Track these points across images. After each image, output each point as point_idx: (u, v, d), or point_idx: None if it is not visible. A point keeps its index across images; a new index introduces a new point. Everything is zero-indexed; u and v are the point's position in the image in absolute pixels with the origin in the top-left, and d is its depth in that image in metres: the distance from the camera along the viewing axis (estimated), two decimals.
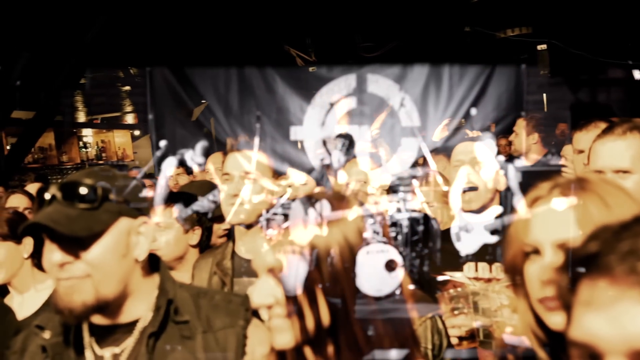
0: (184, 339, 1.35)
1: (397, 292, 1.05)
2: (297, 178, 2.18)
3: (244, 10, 5.86)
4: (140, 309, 1.36)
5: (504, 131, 6.89)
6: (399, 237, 1.09)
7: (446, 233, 2.21)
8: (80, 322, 1.34)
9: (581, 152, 2.68)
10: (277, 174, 2.11)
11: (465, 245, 2.07)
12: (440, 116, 7.64)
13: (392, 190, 2.22)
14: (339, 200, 1.09)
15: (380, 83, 7.68)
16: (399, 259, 1.04)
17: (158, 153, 6.72)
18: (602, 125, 2.35)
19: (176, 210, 2.42)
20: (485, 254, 2.07)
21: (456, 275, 2.08)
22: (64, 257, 1.25)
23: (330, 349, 1.06)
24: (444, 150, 4.76)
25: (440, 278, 2.08)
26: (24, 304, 2.29)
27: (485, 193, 2.16)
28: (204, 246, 2.53)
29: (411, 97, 7.66)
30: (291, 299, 1.04)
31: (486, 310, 1.98)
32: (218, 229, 2.76)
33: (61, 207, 1.27)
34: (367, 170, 2.53)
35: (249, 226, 2.07)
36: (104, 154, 8.20)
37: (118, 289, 1.30)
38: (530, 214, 1.11)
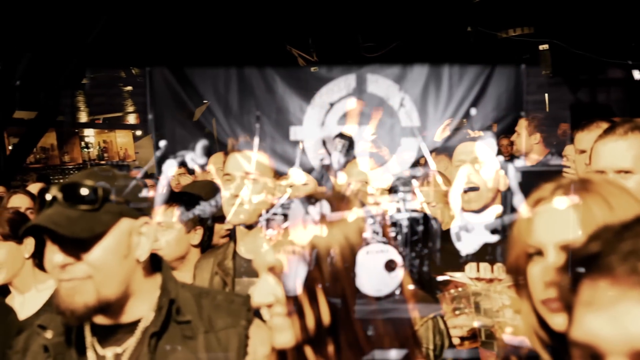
0: (185, 339, 1.35)
1: (397, 292, 1.05)
2: (297, 178, 2.18)
3: (246, 10, 5.86)
4: (142, 309, 1.36)
5: (503, 131, 6.89)
6: (399, 237, 1.09)
7: (447, 233, 2.21)
8: (82, 322, 1.34)
9: (583, 152, 2.67)
10: (278, 174, 2.11)
11: (466, 245, 2.07)
12: (440, 116, 7.63)
13: (392, 190, 2.22)
14: (339, 200, 1.09)
15: (380, 83, 7.68)
16: (398, 259, 1.04)
17: (158, 153, 6.72)
18: (604, 125, 2.34)
19: (178, 211, 2.42)
20: (486, 254, 2.07)
21: (458, 276, 2.07)
22: (66, 259, 1.25)
23: (331, 349, 1.06)
24: (445, 150, 4.75)
25: (441, 278, 2.08)
26: (25, 304, 2.29)
27: (486, 193, 2.16)
28: (206, 246, 2.53)
29: (411, 97, 7.66)
30: (291, 299, 1.04)
31: (488, 311, 1.98)
32: (220, 229, 2.76)
33: (62, 208, 1.27)
34: (368, 170, 2.53)
35: (250, 226, 2.07)
36: (105, 154, 8.21)
37: (120, 290, 1.30)
38: (533, 215, 1.11)
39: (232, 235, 2.24)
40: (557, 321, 1.05)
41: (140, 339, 1.34)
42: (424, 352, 1.61)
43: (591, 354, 0.66)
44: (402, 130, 7.55)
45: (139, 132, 8.48)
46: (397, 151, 7.16)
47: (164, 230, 2.39)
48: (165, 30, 6.26)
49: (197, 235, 2.48)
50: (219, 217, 2.45)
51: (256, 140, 2.01)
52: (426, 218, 2.06)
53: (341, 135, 4.60)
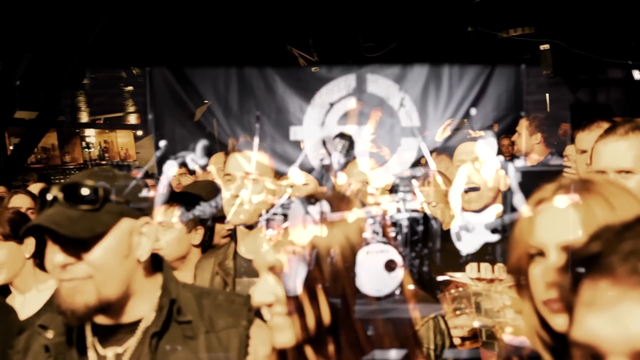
0: (186, 339, 1.35)
1: (397, 292, 1.05)
2: (298, 178, 2.18)
3: (247, 10, 5.86)
4: (143, 309, 1.36)
5: (503, 131, 6.89)
6: (399, 237, 1.09)
7: (448, 233, 2.21)
8: (83, 323, 1.35)
9: (584, 152, 2.67)
10: (278, 174, 2.11)
11: (466, 245, 2.07)
12: (440, 116, 7.64)
13: (392, 190, 2.22)
14: (339, 201, 1.10)
15: (380, 83, 7.69)
16: (398, 259, 1.04)
17: (158, 153, 6.72)
18: (605, 125, 2.34)
19: (179, 211, 2.42)
20: (486, 253, 2.06)
21: (459, 276, 2.07)
22: (66, 259, 1.25)
23: (331, 348, 1.06)
24: (446, 150, 4.75)
25: (442, 278, 2.07)
26: (26, 304, 2.29)
27: (487, 193, 2.16)
28: (206, 246, 2.53)
29: (411, 97, 7.66)
30: (292, 298, 1.04)
31: (489, 311, 1.98)
32: (222, 229, 2.76)
33: (63, 208, 1.27)
34: (368, 170, 2.53)
35: (250, 226, 2.07)
36: (106, 154, 8.20)
37: (120, 290, 1.31)
38: (534, 215, 1.11)
39: (233, 235, 2.24)
40: (559, 322, 1.05)
41: (141, 339, 1.34)
42: (425, 352, 1.61)
43: (592, 354, 0.65)
44: (402, 130, 7.56)
45: (140, 132, 8.48)
46: (397, 151, 7.17)
47: (165, 230, 2.39)
48: (166, 30, 6.26)
49: (198, 235, 2.48)
50: (220, 217, 2.46)
51: (256, 140, 2.01)
52: (426, 218, 2.06)
53: (341, 136, 4.60)
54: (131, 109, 8.49)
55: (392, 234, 1.08)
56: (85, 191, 1.27)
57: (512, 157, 5.30)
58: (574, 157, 2.98)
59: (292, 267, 1.04)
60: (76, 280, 1.25)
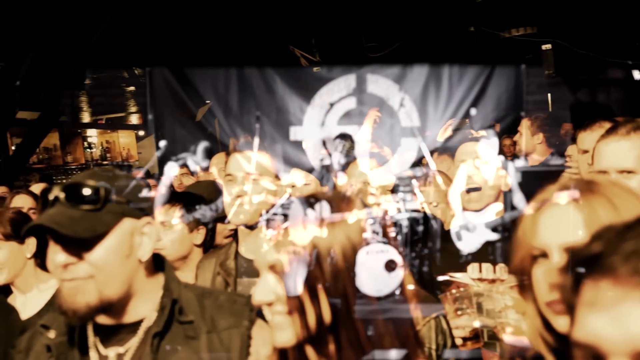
0: (188, 339, 1.35)
1: (397, 292, 1.05)
2: (298, 178, 2.18)
3: (249, 10, 5.86)
4: (144, 309, 1.36)
5: (504, 131, 6.89)
6: (399, 237, 1.09)
7: (449, 233, 2.20)
8: (85, 322, 1.35)
9: (586, 152, 2.66)
10: (279, 175, 2.11)
11: (466, 245, 2.06)
12: (440, 116, 7.65)
13: (393, 190, 2.22)
14: (340, 201, 1.10)
15: (380, 83, 7.69)
16: (398, 259, 1.04)
17: (158, 153, 6.73)
18: (607, 125, 2.33)
19: (181, 211, 2.43)
20: (487, 253, 2.06)
21: (460, 276, 2.07)
22: (68, 258, 1.25)
23: (332, 348, 1.06)
24: (448, 150, 4.75)
25: (443, 278, 2.07)
26: (27, 303, 2.30)
27: (488, 193, 2.15)
28: (208, 246, 2.54)
29: (411, 98, 7.66)
30: (292, 298, 1.04)
31: (490, 312, 1.97)
32: (224, 229, 2.76)
33: (64, 208, 1.27)
34: (369, 170, 2.53)
35: (252, 227, 2.07)
36: (108, 155, 8.20)
37: (122, 290, 1.31)
38: (537, 217, 1.10)
39: (235, 235, 2.24)
40: (562, 323, 1.05)
41: (143, 339, 1.34)
42: (427, 352, 1.60)
43: (593, 355, 0.65)
44: (402, 131, 7.56)
45: (141, 133, 8.49)
46: (397, 151, 7.16)
47: (167, 229, 2.40)
48: (167, 30, 6.27)
49: (200, 234, 2.49)
50: (221, 217, 2.46)
51: (256, 140, 2.01)
52: (426, 218, 2.06)
53: (342, 136, 4.60)
54: (133, 109, 8.50)
55: (393, 234, 1.07)
56: (86, 191, 1.28)
57: (513, 157, 5.29)
58: (576, 157, 2.97)
59: (292, 267, 1.04)
60: (78, 280, 1.26)
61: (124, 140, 8.41)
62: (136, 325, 1.35)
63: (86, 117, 8.24)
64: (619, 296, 0.63)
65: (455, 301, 1.93)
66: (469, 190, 2.14)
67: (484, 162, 2.14)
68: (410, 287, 1.09)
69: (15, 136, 6.63)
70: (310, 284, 1.03)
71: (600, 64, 6.47)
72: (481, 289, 2.01)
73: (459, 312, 1.92)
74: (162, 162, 7.17)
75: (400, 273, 1.04)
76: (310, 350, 1.08)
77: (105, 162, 8.06)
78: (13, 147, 6.53)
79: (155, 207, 1.38)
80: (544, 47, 6.49)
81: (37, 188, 4.18)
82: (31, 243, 2.33)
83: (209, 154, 3.80)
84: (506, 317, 1.95)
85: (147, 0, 5.64)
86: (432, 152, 5.26)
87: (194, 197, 2.60)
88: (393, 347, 1.05)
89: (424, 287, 1.92)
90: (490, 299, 1.97)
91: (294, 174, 2.19)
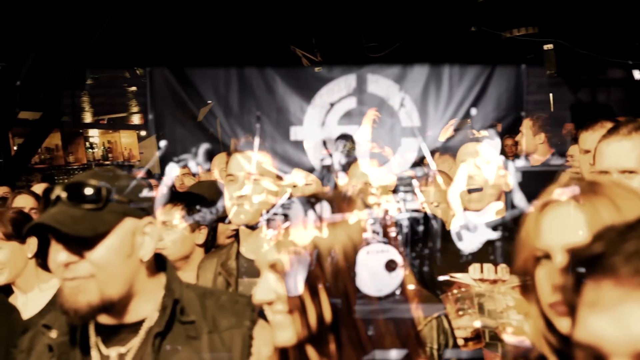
0: (189, 339, 1.35)
1: (397, 292, 1.05)
2: (300, 178, 2.18)
3: (250, 10, 5.86)
4: (146, 308, 1.36)
5: (504, 131, 6.89)
6: (400, 237, 1.09)
7: (450, 233, 2.20)
8: (86, 322, 1.35)
9: (587, 152, 2.66)
10: (280, 175, 2.11)
11: (467, 244, 2.06)
12: (441, 116, 7.65)
13: (394, 190, 2.22)
14: (341, 201, 1.10)
15: (380, 83, 7.69)
16: (399, 259, 1.04)
17: (158, 153, 6.73)
18: (609, 125, 2.33)
19: (183, 211, 2.43)
20: (487, 253, 2.06)
21: (461, 277, 2.07)
22: (69, 257, 1.26)
23: (332, 347, 1.06)
24: (449, 150, 4.75)
25: (443, 278, 2.07)
26: (28, 303, 2.30)
27: (489, 194, 2.15)
28: (209, 246, 2.54)
29: (411, 97, 7.66)
30: (293, 297, 1.04)
31: (492, 312, 1.97)
32: (226, 229, 2.76)
33: (66, 207, 1.27)
34: (370, 171, 2.52)
35: (253, 227, 2.07)
36: (110, 155, 8.21)
37: (123, 289, 1.31)
38: (540, 218, 1.10)
39: (237, 235, 2.24)
40: (565, 325, 1.04)
41: (145, 339, 1.34)
42: (428, 352, 1.60)
43: (594, 355, 0.65)
44: (402, 131, 7.56)
45: (143, 133, 8.50)
46: (397, 151, 7.16)
47: (169, 229, 2.40)
48: (169, 30, 6.27)
49: (202, 234, 2.49)
50: (223, 217, 2.46)
51: (257, 140, 2.01)
52: (427, 218, 2.06)
53: (343, 137, 4.60)
54: (134, 109, 8.51)
55: (393, 234, 1.07)
56: (88, 190, 1.28)
57: (515, 157, 5.29)
58: (578, 157, 2.97)
59: (293, 266, 1.04)
60: (79, 279, 1.26)
61: (125, 140, 8.42)
62: (138, 325, 1.36)
63: (88, 117, 8.25)
64: (620, 296, 0.63)
65: (456, 301, 1.93)
66: (470, 191, 2.14)
67: (485, 162, 2.13)
68: (411, 287, 1.09)
69: (17, 136, 6.64)
70: (310, 284, 1.03)
71: (602, 64, 6.46)
72: (483, 289, 2.01)
73: (461, 313, 1.92)
74: (163, 162, 7.19)
75: (400, 273, 1.04)
76: (310, 350, 1.08)
77: (107, 162, 8.06)
78: (15, 147, 6.54)
79: (156, 207, 1.38)
80: (545, 47, 6.49)
81: (38, 188, 4.19)
82: (32, 243, 2.33)
83: (210, 155, 3.81)
84: (508, 317, 1.95)
85: (147, 1, 5.65)
86: (433, 152, 5.26)
87: (195, 197, 2.60)
88: (394, 347, 1.05)
89: (425, 287, 1.92)
90: (491, 299, 1.97)
91: (296, 174, 2.19)
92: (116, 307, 1.32)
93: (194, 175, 4.86)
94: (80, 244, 1.26)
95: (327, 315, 1.04)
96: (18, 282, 2.34)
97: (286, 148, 7.67)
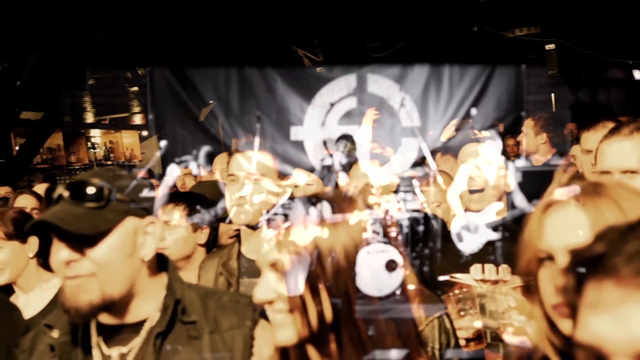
0: (191, 339, 1.35)
1: (398, 292, 1.05)
2: (301, 178, 2.18)
3: (252, 11, 5.87)
4: (147, 308, 1.36)
5: (505, 131, 6.89)
6: (400, 238, 1.09)
7: (450, 233, 2.20)
8: (87, 321, 1.35)
9: (589, 152, 2.66)
10: (282, 175, 2.11)
11: (467, 245, 2.06)
12: (441, 116, 7.65)
13: (395, 190, 2.21)
14: (342, 201, 1.09)
15: (380, 83, 7.69)
16: (399, 259, 1.04)
17: (159, 153, 6.74)
18: (610, 125, 2.33)
19: (185, 211, 2.43)
20: (487, 254, 2.05)
21: (462, 277, 2.06)
22: (71, 255, 1.26)
23: (333, 347, 1.06)
24: (451, 150, 4.75)
25: (443, 278, 2.07)
26: (29, 303, 2.30)
27: (490, 194, 2.14)
28: (211, 246, 2.54)
29: (411, 97, 7.66)
30: (293, 296, 1.04)
31: (493, 313, 1.97)
32: (229, 229, 2.76)
33: (68, 206, 1.28)
34: (371, 172, 2.52)
35: (254, 227, 2.07)
36: (112, 155, 8.22)
37: (124, 288, 1.31)
38: (543, 219, 1.10)
39: (238, 235, 2.24)
40: (568, 326, 1.04)
41: (146, 339, 1.34)
42: (430, 352, 1.60)
43: (596, 356, 0.65)
44: (402, 131, 7.56)
45: (145, 133, 8.50)
46: (397, 151, 7.16)
47: (171, 229, 2.40)
48: (170, 31, 6.28)
49: (204, 234, 2.49)
50: (224, 217, 2.46)
51: (257, 140, 2.01)
52: (427, 218, 2.06)
53: (344, 137, 4.61)
54: (136, 109, 8.51)
55: (393, 234, 1.07)
56: (90, 189, 1.28)
57: (517, 157, 5.29)
58: (580, 157, 2.97)
59: (293, 266, 1.04)
60: (80, 277, 1.26)
61: (127, 140, 8.43)
62: (139, 325, 1.36)
63: (90, 118, 8.26)
64: (622, 297, 0.63)
65: (458, 302, 1.93)
66: (471, 192, 2.13)
67: (486, 162, 2.13)
68: (411, 286, 1.09)
69: (19, 136, 6.65)
70: (311, 283, 1.03)
71: (603, 63, 6.45)
72: (484, 290, 2.00)
73: (462, 313, 1.92)
74: (165, 162, 7.20)
75: (400, 273, 1.04)
76: (311, 350, 1.08)
77: (108, 162, 8.07)
78: (17, 147, 6.55)
79: (157, 206, 1.38)
80: (547, 47, 6.48)
81: (40, 188, 4.20)
82: (33, 242, 2.34)
83: (211, 157, 3.82)
84: (509, 318, 1.95)
85: (148, 1, 5.65)
86: (434, 152, 5.26)
87: (197, 197, 2.60)
88: (395, 347, 1.05)
89: (426, 287, 1.91)
90: (493, 300, 1.97)
91: (297, 174, 2.19)
92: (117, 306, 1.32)
93: (195, 176, 4.87)
94: (81, 242, 1.26)
95: (328, 314, 1.04)
96: (19, 282, 2.34)
97: (286, 148, 7.67)
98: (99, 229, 1.27)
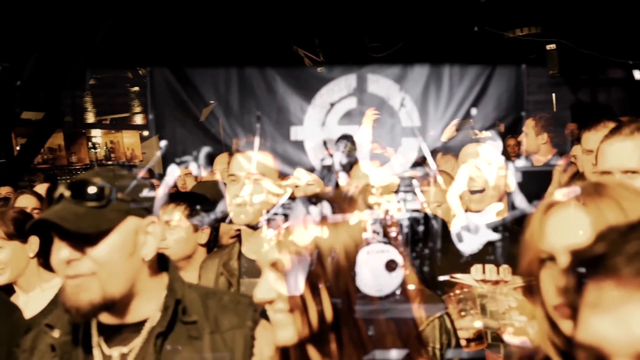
0: (191, 339, 1.35)
1: (398, 292, 1.05)
2: (302, 178, 2.18)
3: (253, 11, 5.87)
4: (148, 308, 1.37)
5: (505, 131, 6.89)
6: (400, 238, 1.09)
7: (450, 233, 2.19)
8: (88, 320, 1.35)
9: (590, 152, 2.65)
10: (283, 175, 2.11)
11: (467, 246, 2.06)
12: (441, 116, 7.65)
13: (396, 190, 2.21)
14: (342, 201, 1.09)
15: (380, 83, 7.69)
16: (399, 259, 1.04)
17: (159, 153, 6.74)
18: (611, 125, 2.32)
19: (187, 211, 2.43)
20: (487, 254, 2.05)
21: (463, 277, 2.06)
22: (72, 254, 1.26)
23: (333, 347, 1.06)
24: (452, 150, 4.75)
25: (443, 278, 2.07)
26: (30, 303, 2.30)
27: (491, 194, 2.14)
28: (212, 246, 2.54)
29: (411, 97, 7.66)
30: (294, 296, 1.04)
31: (494, 313, 1.97)
32: (230, 229, 2.76)
33: (69, 204, 1.28)
34: (372, 172, 2.52)
35: (255, 227, 2.07)
36: (112, 155, 8.22)
37: (125, 288, 1.31)
38: (545, 220, 1.10)
39: (239, 235, 2.24)
40: (570, 326, 1.04)
41: (147, 339, 1.34)
42: (431, 352, 1.60)
43: (596, 356, 0.65)
44: (402, 131, 7.56)
45: (145, 133, 8.50)
46: (397, 151, 7.16)
47: (173, 229, 2.40)
48: (172, 31, 6.28)
49: (205, 234, 2.49)
50: (224, 217, 2.46)
51: (257, 140, 2.01)
52: (427, 218, 2.05)
53: (344, 137, 4.61)
54: (137, 109, 8.52)
55: (394, 234, 1.07)
56: (91, 188, 1.29)
57: (517, 157, 5.29)
58: (581, 157, 2.96)
59: (294, 266, 1.04)
60: (81, 276, 1.26)
61: (128, 140, 8.43)
62: (140, 325, 1.36)
63: (91, 118, 8.27)
64: (622, 297, 0.63)
65: (459, 302, 1.93)
66: (472, 192, 2.13)
67: (487, 163, 2.13)
68: (412, 286, 1.09)
69: (19, 136, 6.65)
70: (311, 283, 1.03)
71: (603, 63, 6.45)
72: (485, 290, 2.00)
73: (463, 314, 1.91)
74: (165, 162, 7.20)
75: (400, 273, 1.04)
76: (311, 349, 1.08)
77: (109, 163, 8.07)
78: (18, 148, 6.55)
79: (158, 206, 1.38)
80: (548, 47, 6.47)
81: (41, 188, 4.21)
82: (34, 242, 2.34)
83: (211, 158, 3.82)
84: (510, 318, 1.94)
85: (148, 1, 5.65)
86: (435, 152, 5.26)
87: (198, 197, 2.60)
88: (395, 347, 1.05)
89: (427, 287, 1.91)
90: (494, 300, 1.97)
91: (299, 174, 2.19)
92: (118, 306, 1.32)
93: (195, 177, 4.87)
94: (82, 241, 1.26)
95: (328, 314, 1.04)
96: (20, 282, 2.34)
97: (286, 148, 7.67)
98: (100, 227, 1.27)
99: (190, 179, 4.84)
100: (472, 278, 2.05)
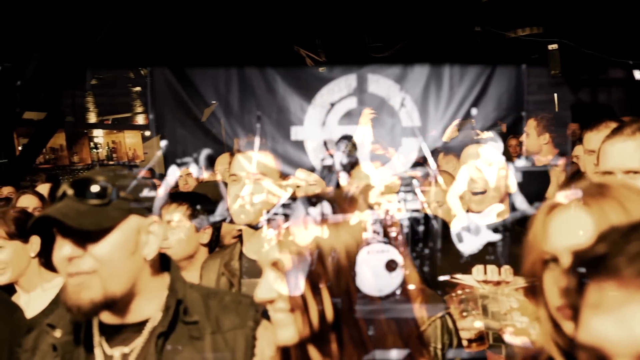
0: (193, 339, 1.35)
1: (398, 292, 1.04)
2: (304, 177, 2.18)
3: (253, 11, 5.87)
4: (149, 308, 1.37)
5: (507, 131, 6.88)
6: (400, 238, 1.09)
7: (451, 233, 2.19)
8: (89, 319, 1.36)
9: (592, 152, 2.65)
10: (284, 175, 2.11)
11: (467, 246, 2.05)
12: (441, 116, 7.64)
13: (397, 190, 2.21)
14: (343, 201, 1.09)
15: (380, 83, 7.68)
16: (399, 259, 1.04)
17: (159, 153, 6.74)
18: (613, 125, 2.32)
19: (189, 211, 2.43)
20: (487, 254, 2.05)
21: (464, 278, 2.06)
22: (73, 251, 1.26)
23: (334, 346, 1.06)
24: (453, 151, 4.74)
25: (443, 278, 2.06)
26: (31, 303, 2.30)
27: (492, 195, 2.14)
28: (213, 245, 2.54)
29: (412, 97, 7.65)
30: (294, 296, 1.04)
31: (495, 314, 1.97)
32: (232, 229, 2.77)
33: (72, 202, 1.28)
34: (372, 172, 2.52)
35: (256, 227, 2.07)
36: (114, 155, 8.23)
37: (126, 287, 1.31)
38: (548, 221, 1.09)
39: (241, 235, 2.24)
40: (573, 327, 1.03)
41: (148, 339, 1.34)
42: (432, 352, 1.60)
43: (598, 357, 0.65)
44: (402, 130, 7.56)
45: (147, 133, 8.51)
46: (397, 151, 7.16)
47: (175, 228, 2.41)
48: (173, 31, 6.28)
49: (206, 234, 2.50)
50: (225, 217, 2.46)
51: (257, 140, 2.01)
52: (427, 218, 2.05)
53: (344, 137, 4.60)
54: (139, 109, 8.52)
55: (394, 234, 1.07)
56: (94, 187, 1.29)
57: (519, 157, 5.28)
58: (583, 157, 2.96)
59: (294, 265, 1.04)
60: (82, 274, 1.26)
61: (130, 140, 8.44)
62: (141, 325, 1.36)
63: (92, 118, 8.28)
64: (624, 298, 0.63)
65: (460, 303, 1.93)
66: (474, 193, 2.13)
67: (488, 164, 2.12)
68: (412, 286, 1.09)
69: (21, 136, 6.66)
70: (312, 283, 1.03)
71: (604, 64, 6.44)
72: (486, 291, 2.00)
73: (464, 314, 1.91)
74: (167, 162, 7.21)
75: (400, 273, 1.04)
76: (312, 349, 1.08)
77: (111, 163, 8.08)
78: (19, 148, 6.56)
79: (158, 206, 1.38)
80: (550, 47, 6.47)
81: (43, 188, 4.21)
82: (35, 242, 2.34)
83: (212, 159, 3.82)
84: (511, 319, 1.94)
85: (149, 1, 5.66)
86: (436, 152, 5.25)
87: (199, 197, 2.60)
88: (396, 347, 1.05)
89: (428, 287, 1.91)
90: (495, 301, 1.97)
91: (300, 174, 2.19)
92: (119, 305, 1.32)
93: (196, 178, 4.87)
94: (84, 239, 1.26)
95: (329, 314, 1.04)
96: (21, 282, 2.34)
97: (287, 148, 7.67)
98: (102, 225, 1.27)
99: (192, 178, 4.84)
100: (474, 279, 2.05)
